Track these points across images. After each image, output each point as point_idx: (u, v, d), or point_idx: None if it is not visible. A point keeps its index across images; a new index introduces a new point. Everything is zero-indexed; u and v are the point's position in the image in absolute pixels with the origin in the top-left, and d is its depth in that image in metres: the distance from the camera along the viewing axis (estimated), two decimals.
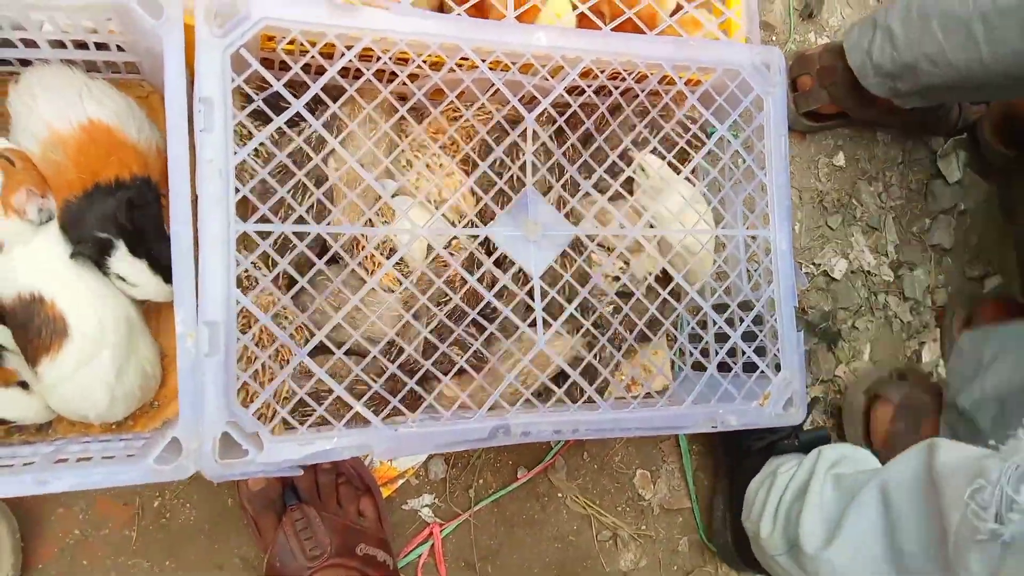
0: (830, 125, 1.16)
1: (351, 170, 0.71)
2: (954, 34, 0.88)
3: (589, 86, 0.75)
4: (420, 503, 0.93)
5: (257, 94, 0.63)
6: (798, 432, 0.94)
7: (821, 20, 1.21)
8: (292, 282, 0.72)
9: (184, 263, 0.59)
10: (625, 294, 0.80)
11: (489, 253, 0.76)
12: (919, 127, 1.21)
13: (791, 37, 1.19)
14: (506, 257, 0.74)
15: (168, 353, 0.76)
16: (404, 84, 0.73)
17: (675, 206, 0.78)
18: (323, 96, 0.65)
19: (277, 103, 0.64)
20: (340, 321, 0.63)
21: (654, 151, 0.80)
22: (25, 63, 0.70)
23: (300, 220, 0.63)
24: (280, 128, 0.64)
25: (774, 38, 1.18)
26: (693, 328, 0.89)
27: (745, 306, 0.78)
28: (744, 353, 0.76)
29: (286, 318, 0.75)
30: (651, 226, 0.78)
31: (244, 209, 0.62)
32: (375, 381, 0.65)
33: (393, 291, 0.77)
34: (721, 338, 0.81)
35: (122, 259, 0.68)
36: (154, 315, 0.77)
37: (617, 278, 0.79)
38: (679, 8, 0.81)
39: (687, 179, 0.82)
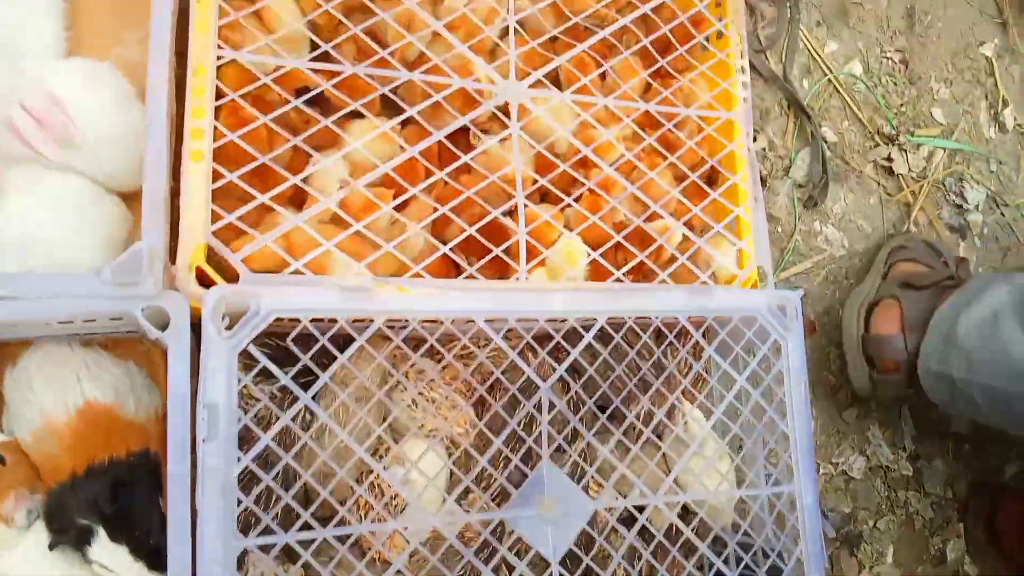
0: None
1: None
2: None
3: (605, 347, 0.73)
4: None
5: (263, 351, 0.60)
6: None
7: (825, 208, 1.22)
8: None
9: None
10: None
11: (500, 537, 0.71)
12: None
13: (796, 228, 1.19)
14: (520, 539, 0.69)
15: None
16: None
17: (697, 466, 0.75)
18: (332, 386, 0.62)
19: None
20: None
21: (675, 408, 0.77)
22: None
23: (306, 526, 0.59)
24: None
25: (780, 229, 1.18)
26: None
27: (774, 571, 0.74)
28: None
29: None
30: (674, 492, 0.74)
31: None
32: None
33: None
34: None
35: (103, 547, 0.63)
36: None
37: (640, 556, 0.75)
38: (687, 244, 0.81)
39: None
